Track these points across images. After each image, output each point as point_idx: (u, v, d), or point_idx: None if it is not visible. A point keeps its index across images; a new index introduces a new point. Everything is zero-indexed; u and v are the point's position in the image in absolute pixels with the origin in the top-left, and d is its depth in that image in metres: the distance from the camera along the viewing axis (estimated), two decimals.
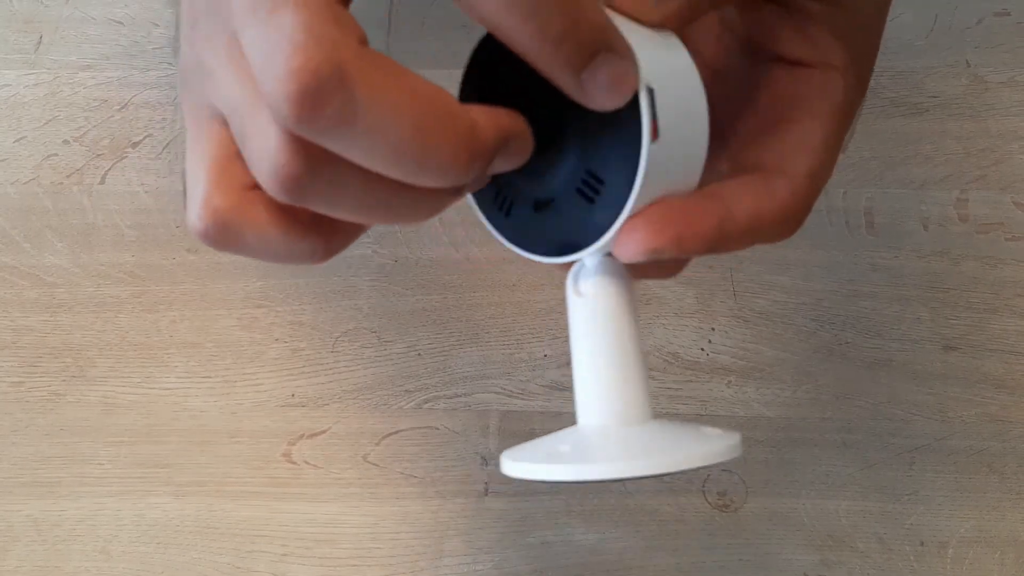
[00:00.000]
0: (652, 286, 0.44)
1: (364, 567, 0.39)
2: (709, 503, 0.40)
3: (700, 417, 0.41)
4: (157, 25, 0.52)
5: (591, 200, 0.21)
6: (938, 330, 0.43)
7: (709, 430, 0.23)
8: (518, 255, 0.23)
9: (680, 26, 0.23)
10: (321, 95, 0.16)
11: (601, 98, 0.20)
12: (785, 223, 0.24)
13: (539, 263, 0.23)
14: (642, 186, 0.20)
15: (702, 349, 0.43)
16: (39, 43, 0.52)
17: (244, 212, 0.20)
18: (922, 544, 0.39)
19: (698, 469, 0.20)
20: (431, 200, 0.20)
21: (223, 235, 0.20)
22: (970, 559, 0.39)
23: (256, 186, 0.20)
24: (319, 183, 0.18)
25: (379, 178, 0.18)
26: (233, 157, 0.20)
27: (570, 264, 0.23)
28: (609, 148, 0.21)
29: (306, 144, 0.17)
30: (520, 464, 0.21)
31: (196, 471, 0.41)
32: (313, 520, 0.40)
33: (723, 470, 0.40)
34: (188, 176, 0.21)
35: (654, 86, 0.20)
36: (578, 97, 0.20)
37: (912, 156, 0.47)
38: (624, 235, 0.21)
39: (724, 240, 0.23)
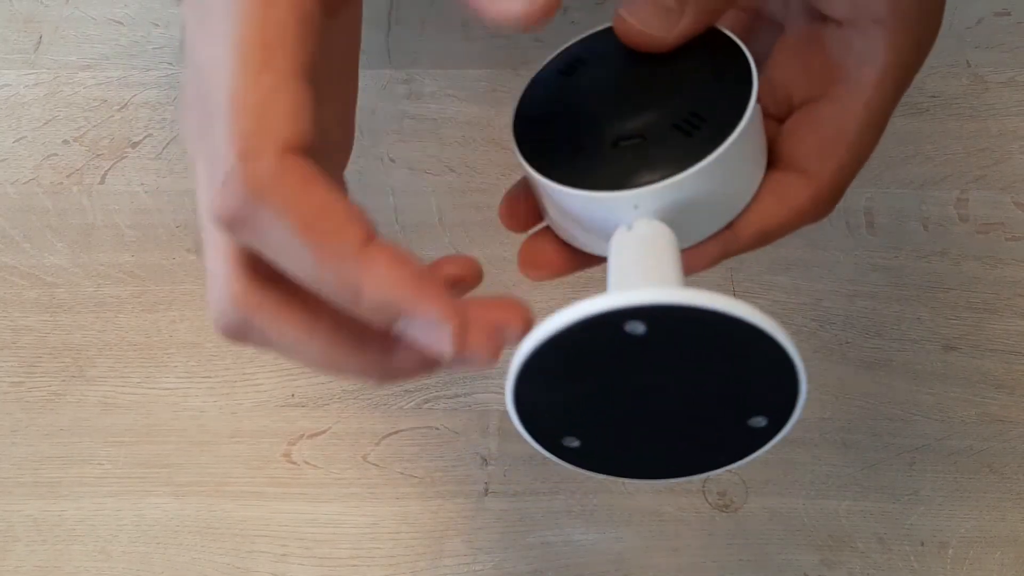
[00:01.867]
0: None
1: (364, 567, 0.39)
2: (709, 503, 0.40)
3: None
4: (157, 25, 0.52)
5: (688, 134, 0.21)
6: (938, 330, 0.43)
7: None
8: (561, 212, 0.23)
9: (696, 31, 0.22)
10: (231, 224, 0.18)
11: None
12: (807, 221, 0.23)
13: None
14: (739, 134, 0.21)
15: None
16: (39, 43, 0.52)
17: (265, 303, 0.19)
18: (922, 544, 0.39)
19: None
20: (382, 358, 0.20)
21: (243, 330, 0.19)
22: (970, 559, 0.39)
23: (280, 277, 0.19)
24: (255, 334, 0.19)
25: (320, 328, 0.19)
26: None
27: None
28: (717, 95, 0.21)
29: (246, 274, 0.19)
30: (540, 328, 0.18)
31: (196, 471, 0.41)
32: (313, 520, 0.40)
33: (724, 470, 0.40)
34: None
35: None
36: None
37: (912, 156, 0.47)
38: None
39: (730, 255, 0.23)
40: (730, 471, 0.40)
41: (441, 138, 0.47)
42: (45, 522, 0.40)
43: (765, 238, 0.23)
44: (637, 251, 0.21)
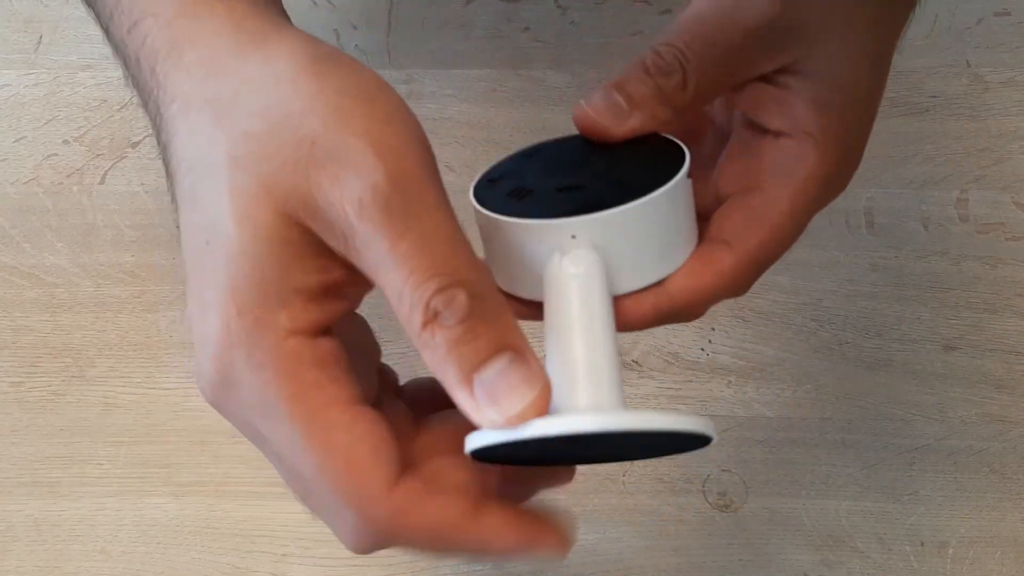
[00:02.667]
0: None
1: (364, 567, 0.39)
2: (709, 503, 0.40)
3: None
4: None
5: (625, 184, 0.24)
6: (938, 330, 0.43)
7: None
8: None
9: (641, 131, 0.25)
10: (373, 550, 0.23)
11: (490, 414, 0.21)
12: (726, 291, 0.25)
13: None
14: (677, 183, 0.24)
15: (702, 349, 0.43)
16: (39, 43, 0.52)
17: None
18: (922, 544, 0.39)
19: (670, 435, 0.21)
20: None
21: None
22: (970, 559, 0.39)
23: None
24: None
25: None
26: None
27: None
28: (655, 165, 0.24)
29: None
30: (479, 436, 0.21)
31: (196, 471, 0.41)
32: (313, 520, 0.40)
33: (723, 470, 0.40)
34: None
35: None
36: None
37: (912, 156, 0.47)
38: None
39: (663, 318, 0.25)
40: (730, 471, 0.40)
41: (441, 138, 0.47)
42: (45, 522, 0.40)
43: (692, 300, 0.25)
44: (574, 315, 0.23)
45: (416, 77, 0.49)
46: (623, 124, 0.25)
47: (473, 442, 0.21)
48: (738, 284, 0.25)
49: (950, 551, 0.39)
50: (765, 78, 0.26)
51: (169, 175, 0.23)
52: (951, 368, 0.42)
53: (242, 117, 0.21)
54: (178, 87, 0.22)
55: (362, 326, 0.26)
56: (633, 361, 0.43)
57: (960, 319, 0.43)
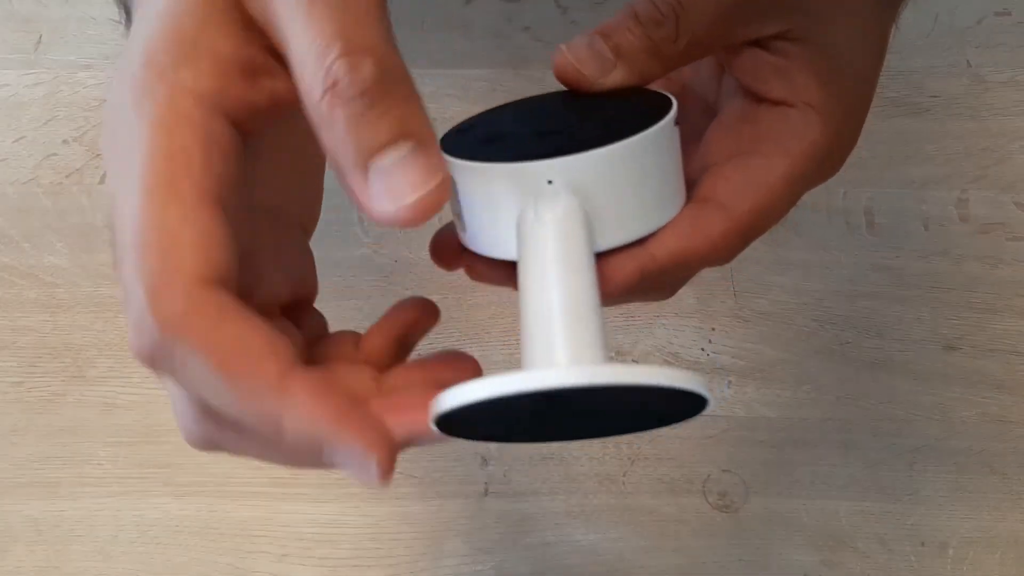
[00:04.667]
0: None
1: (364, 567, 0.39)
2: (709, 503, 0.40)
3: (701, 417, 0.41)
4: None
5: (607, 127, 0.22)
6: (939, 330, 0.43)
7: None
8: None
9: (625, 84, 0.24)
10: (151, 362, 0.18)
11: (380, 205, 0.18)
12: (713, 257, 0.24)
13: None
14: (662, 128, 0.22)
15: (702, 349, 0.43)
16: (39, 43, 0.52)
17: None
18: (923, 544, 0.39)
19: (661, 394, 0.19)
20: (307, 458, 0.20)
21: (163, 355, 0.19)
22: (971, 559, 0.39)
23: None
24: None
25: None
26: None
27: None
28: (639, 111, 0.22)
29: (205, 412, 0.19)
30: (444, 400, 0.19)
31: (196, 471, 0.41)
32: (313, 520, 0.40)
33: (723, 470, 0.40)
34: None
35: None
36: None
37: (913, 156, 0.47)
38: None
39: (648, 280, 0.23)
40: (730, 471, 0.40)
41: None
42: (45, 522, 0.40)
43: (679, 263, 0.24)
44: (549, 261, 0.21)
45: (415, 77, 0.49)
46: (607, 76, 0.23)
47: (438, 406, 0.19)
48: (727, 251, 0.24)
49: (951, 551, 0.39)
50: (762, 44, 0.24)
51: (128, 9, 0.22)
52: (951, 368, 0.42)
53: None
54: None
55: (307, 256, 0.25)
56: (633, 361, 0.43)
57: (960, 319, 0.43)
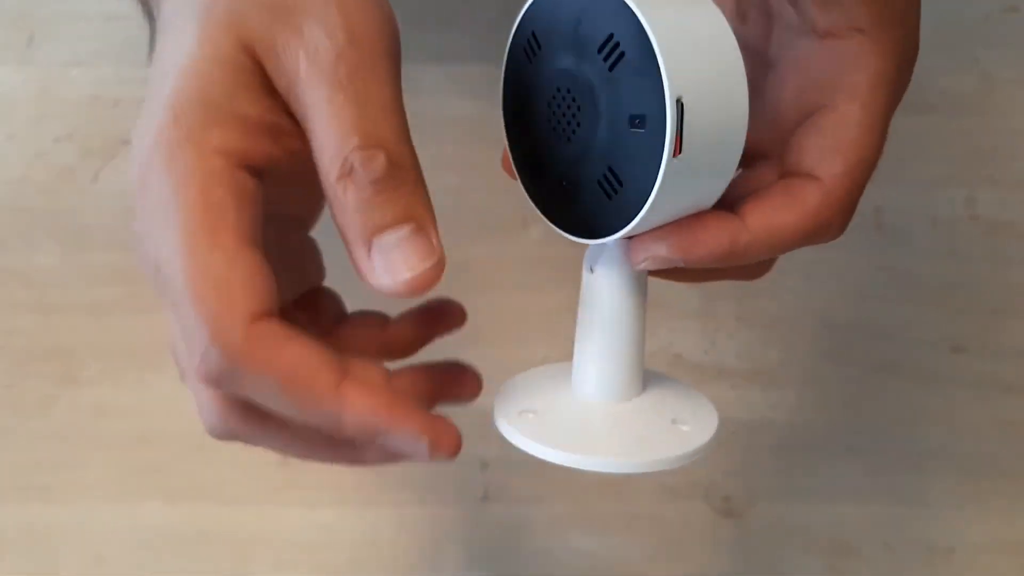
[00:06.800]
0: (655, 287, 0.44)
1: (362, 573, 0.38)
2: (713, 509, 0.39)
3: None
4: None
5: (609, 197, 0.22)
6: (947, 332, 0.42)
7: (687, 425, 0.25)
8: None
9: None
10: (216, 384, 0.21)
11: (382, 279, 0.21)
12: (820, 230, 0.23)
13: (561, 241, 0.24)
14: (656, 198, 0.21)
15: (706, 352, 0.42)
16: (30, 39, 0.51)
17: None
18: (930, 549, 0.38)
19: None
20: (345, 450, 0.23)
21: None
22: (979, 565, 0.38)
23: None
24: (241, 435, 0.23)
25: (289, 430, 0.22)
26: None
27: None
28: (634, 151, 0.21)
29: (229, 404, 0.22)
30: (517, 434, 0.24)
31: (191, 476, 0.40)
32: (310, 526, 0.39)
33: (727, 475, 0.40)
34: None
35: (685, 98, 0.20)
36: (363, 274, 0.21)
37: (920, 155, 0.46)
38: (633, 244, 0.23)
39: (739, 253, 0.23)
40: (735, 476, 0.40)
41: (440, 134, 0.46)
42: (37, 528, 0.40)
43: (774, 237, 0.23)
44: (591, 317, 0.25)
45: (414, 72, 0.49)
46: None
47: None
48: (831, 221, 0.24)
49: (958, 556, 0.38)
50: None
51: (153, 17, 0.24)
52: (960, 371, 0.41)
53: None
54: None
55: (310, 247, 0.27)
56: None
57: (969, 321, 0.43)
